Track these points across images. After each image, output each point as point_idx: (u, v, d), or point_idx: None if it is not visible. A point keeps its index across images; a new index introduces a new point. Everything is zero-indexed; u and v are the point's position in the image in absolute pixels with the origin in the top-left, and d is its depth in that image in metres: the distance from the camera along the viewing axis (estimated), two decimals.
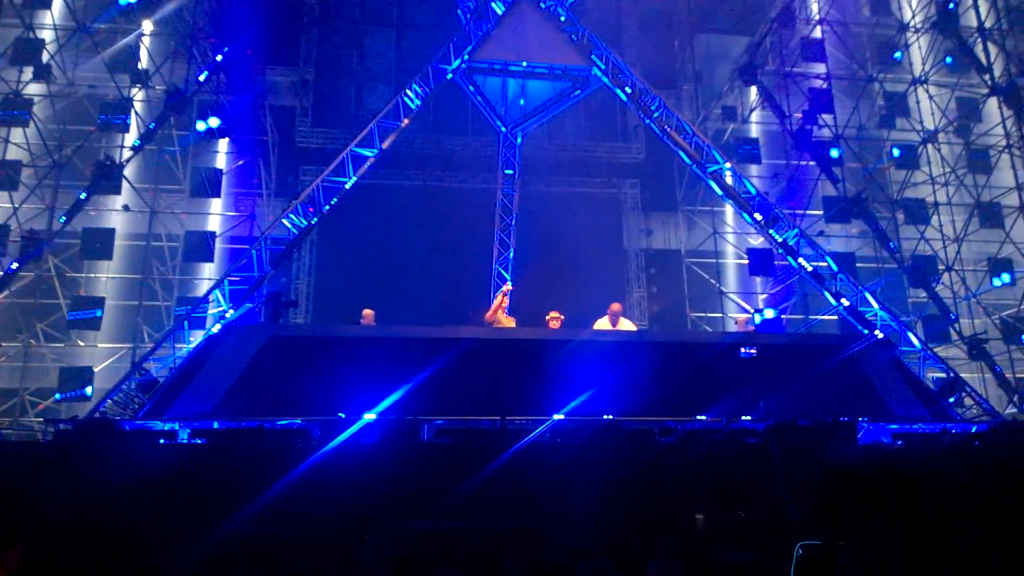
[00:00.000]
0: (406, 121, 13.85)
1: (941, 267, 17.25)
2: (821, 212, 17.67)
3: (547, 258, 16.95)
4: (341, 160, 13.48)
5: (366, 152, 13.60)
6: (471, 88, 15.67)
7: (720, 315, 18.11)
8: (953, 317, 16.14)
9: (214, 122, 15.05)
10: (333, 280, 17.57)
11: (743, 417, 10.30)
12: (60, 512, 7.38)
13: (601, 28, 15.40)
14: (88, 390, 14.39)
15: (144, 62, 16.36)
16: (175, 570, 7.33)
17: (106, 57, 16.26)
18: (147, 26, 16.37)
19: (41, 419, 14.19)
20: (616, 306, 12.41)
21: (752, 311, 16.98)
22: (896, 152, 18.33)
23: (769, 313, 15.61)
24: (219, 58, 15.27)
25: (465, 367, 10.54)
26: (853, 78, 18.69)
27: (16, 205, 14.87)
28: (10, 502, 7.48)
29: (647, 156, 19.49)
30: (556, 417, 9.95)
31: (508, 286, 13.22)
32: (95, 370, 14.89)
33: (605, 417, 9.61)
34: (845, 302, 14.15)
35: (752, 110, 18.79)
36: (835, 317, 16.62)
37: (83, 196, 14.27)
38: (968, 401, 13.42)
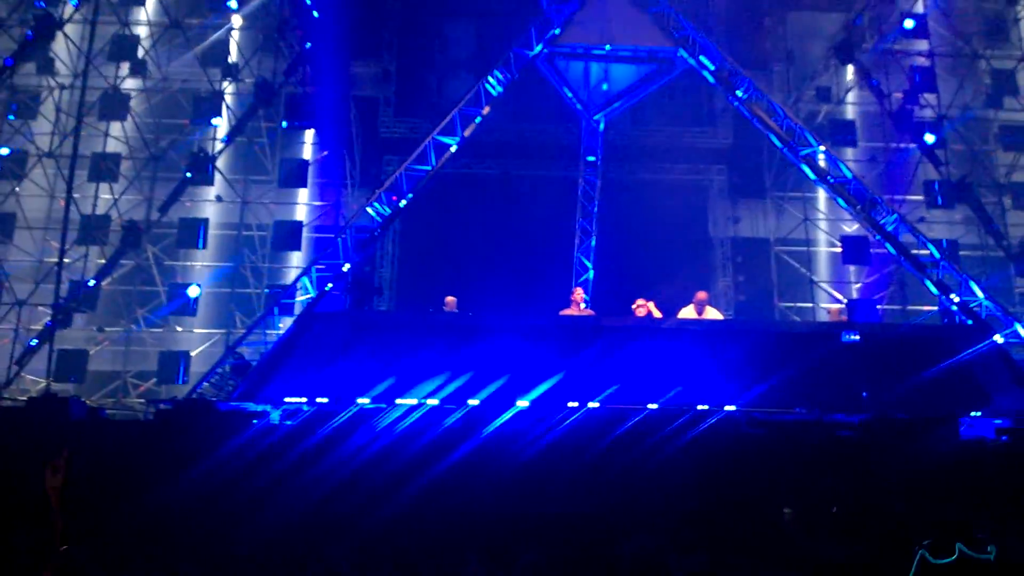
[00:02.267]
0: (487, 108, 13.80)
1: None
2: (922, 197, 16.80)
3: (630, 246, 16.65)
4: (423, 149, 13.55)
5: (448, 140, 13.62)
6: (553, 73, 15.49)
7: (811, 305, 17.43)
8: None
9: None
10: (415, 268, 17.73)
11: (838, 409, 9.90)
12: (162, 486, 7.69)
13: (688, 7, 14.94)
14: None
15: (234, 55, 16.84)
16: (267, 545, 7.53)
17: (197, 52, 16.83)
18: (236, 20, 16.82)
19: (142, 400, 14.84)
20: (702, 294, 12.07)
21: (845, 301, 16.31)
22: None
23: None
24: (308, 45, 15.52)
25: (548, 354, 10.46)
26: (958, 55, 17.65)
27: (116, 196, 15.52)
28: (116, 475, 7.83)
29: (734, 141, 18.82)
30: (649, 406, 9.78)
31: (578, 293, 12.87)
32: (192, 354, 15.47)
33: (694, 407, 9.35)
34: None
35: (848, 90, 17.91)
36: (936, 307, 15.80)
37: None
38: None
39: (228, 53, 16.87)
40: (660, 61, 14.93)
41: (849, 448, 8.72)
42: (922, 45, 16.87)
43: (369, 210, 13.45)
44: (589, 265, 16.53)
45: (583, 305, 12.61)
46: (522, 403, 9.38)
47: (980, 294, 13.52)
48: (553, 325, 11.23)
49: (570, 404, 9.58)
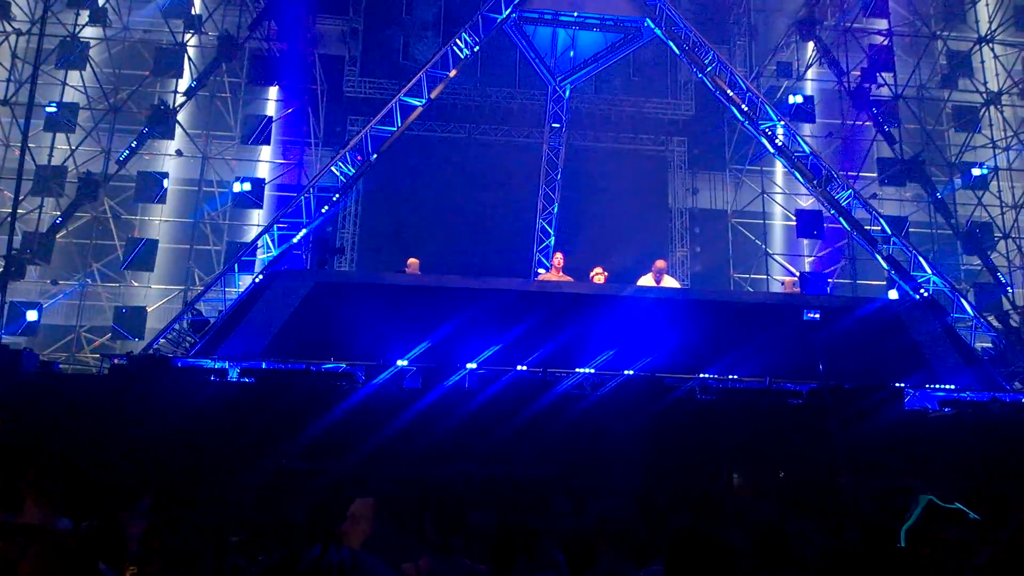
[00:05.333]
0: (454, 71, 13.76)
1: (997, 234, 16.78)
2: (875, 174, 17.22)
3: (591, 214, 16.86)
4: (389, 109, 13.48)
5: (414, 102, 13.57)
6: (521, 39, 15.45)
7: (764, 276, 17.86)
8: (1005, 283, 15.77)
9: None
10: (378, 229, 17.70)
11: (787, 378, 10.24)
12: (115, 441, 7.71)
13: None
14: None
15: (197, 7, 16.47)
16: (223, 499, 7.62)
17: (160, 2, 16.43)
18: None
19: (97, 355, 14.69)
20: (661, 263, 12.29)
21: (797, 274, 16.72)
22: None
23: None
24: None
25: (508, 318, 10.61)
26: (915, 35, 18.01)
27: (73, 147, 15.19)
28: (69, 430, 7.83)
29: (696, 113, 19.08)
30: (589, 370, 10.02)
31: (557, 260, 12.96)
32: (148, 310, 15.33)
33: (650, 373, 9.60)
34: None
35: (808, 67, 18.22)
36: (884, 282, 16.30)
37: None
38: None
39: (191, 5, 16.48)
40: (627, 30, 14.98)
41: (798, 415, 9.08)
42: (881, 24, 17.16)
43: (334, 169, 13.39)
44: (551, 231, 16.66)
45: (559, 259, 12.78)
46: (471, 365, 9.55)
47: (929, 270, 13.96)
48: (513, 290, 11.37)
49: (527, 368, 9.79)
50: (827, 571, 4.39)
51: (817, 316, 10.74)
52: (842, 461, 7.70)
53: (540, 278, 12.71)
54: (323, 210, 13.36)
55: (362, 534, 3.87)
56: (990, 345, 14.17)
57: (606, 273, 12.15)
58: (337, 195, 13.56)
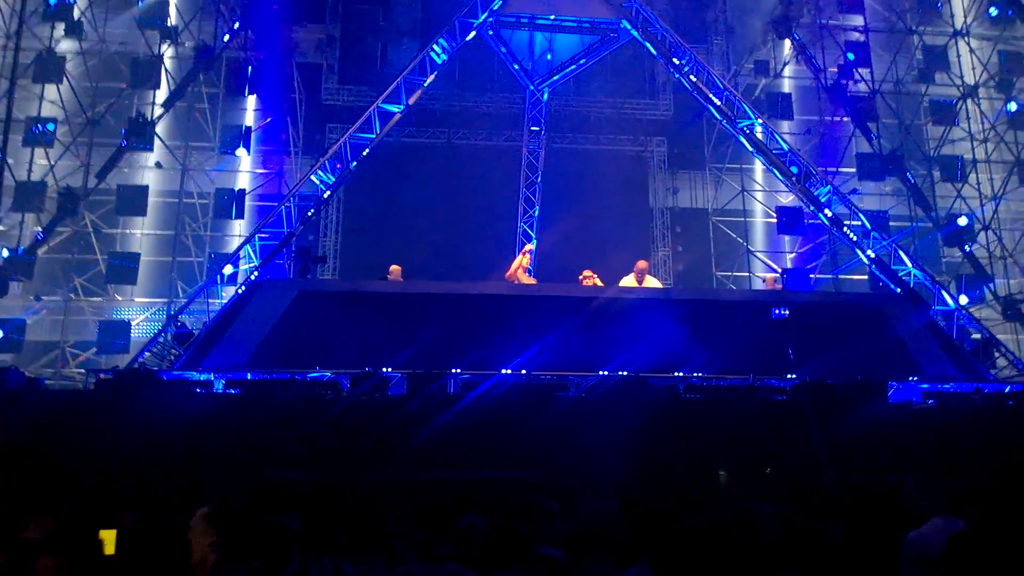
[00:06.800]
0: (431, 77, 13.77)
1: (977, 226, 16.93)
2: (854, 169, 17.35)
3: (573, 216, 16.89)
4: (368, 117, 13.47)
5: (392, 108, 13.57)
6: (498, 43, 15.48)
7: (747, 274, 17.96)
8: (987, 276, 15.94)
9: None
10: (360, 237, 17.67)
11: (771, 375, 10.31)
12: (103, 455, 7.67)
13: None
14: None
15: (173, 18, 16.41)
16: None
17: (136, 14, 16.37)
18: None
19: (82, 370, 14.60)
20: (642, 264, 12.40)
21: (779, 270, 16.82)
22: None
23: None
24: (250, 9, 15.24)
25: (491, 322, 10.66)
26: (891, 31, 18.18)
27: (52, 162, 15.10)
28: (55, 446, 7.78)
29: (675, 113, 19.16)
30: (574, 373, 10.06)
31: (530, 246, 13.13)
32: (132, 323, 15.24)
33: (635, 374, 9.64)
34: (871, 253, 13.90)
35: (785, 64, 18.35)
36: (866, 276, 16.42)
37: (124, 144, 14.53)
38: (1002, 362, 13.25)
39: (167, 16, 16.41)
40: (603, 32, 15.02)
41: (782, 412, 9.13)
42: (857, 20, 17.32)
43: (313, 178, 13.37)
44: (533, 235, 16.70)
45: (527, 259, 12.83)
46: (456, 370, 9.57)
47: (909, 263, 14.06)
48: (496, 294, 11.41)
49: (512, 371, 9.82)
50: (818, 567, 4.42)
51: (786, 313, 10.84)
52: (823, 457, 7.76)
53: (508, 274, 12.72)
54: (308, 214, 13.34)
55: (206, 543, 3.87)
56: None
57: (596, 276, 12.21)
58: (317, 205, 13.55)
